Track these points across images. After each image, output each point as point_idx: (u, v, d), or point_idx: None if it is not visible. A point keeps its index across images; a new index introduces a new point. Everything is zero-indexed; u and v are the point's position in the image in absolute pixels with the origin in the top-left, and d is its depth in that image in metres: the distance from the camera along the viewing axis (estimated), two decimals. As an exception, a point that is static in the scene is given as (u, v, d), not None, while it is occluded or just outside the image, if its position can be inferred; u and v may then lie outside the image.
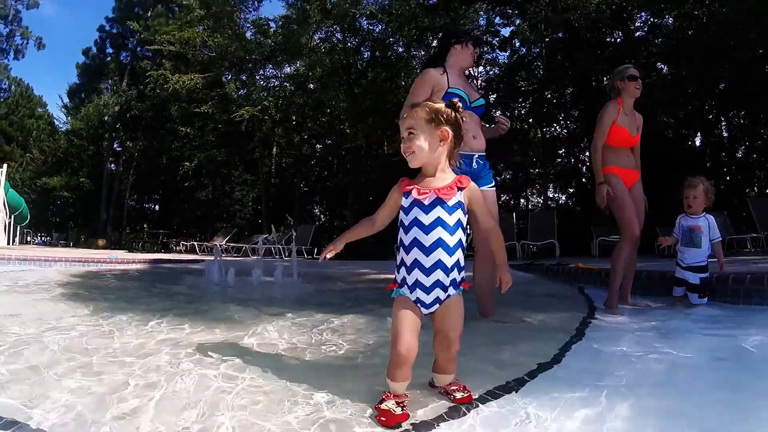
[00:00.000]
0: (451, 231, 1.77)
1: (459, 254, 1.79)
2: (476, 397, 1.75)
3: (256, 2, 20.44)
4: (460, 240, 1.79)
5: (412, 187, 1.81)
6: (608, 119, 3.88)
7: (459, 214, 1.79)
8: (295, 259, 7.37)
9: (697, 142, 18.10)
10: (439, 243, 1.75)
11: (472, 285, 1.86)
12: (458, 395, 1.77)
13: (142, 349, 2.39)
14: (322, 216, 29.68)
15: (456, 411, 1.63)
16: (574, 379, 1.92)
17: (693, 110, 16.45)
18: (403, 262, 1.80)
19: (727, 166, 17.38)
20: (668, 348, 2.41)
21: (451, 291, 1.79)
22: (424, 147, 1.79)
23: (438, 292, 1.77)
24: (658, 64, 16.90)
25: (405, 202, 1.82)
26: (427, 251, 1.75)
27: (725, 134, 17.73)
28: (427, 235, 1.75)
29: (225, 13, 19.82)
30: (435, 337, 1.81)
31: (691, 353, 2.34)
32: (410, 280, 1.77)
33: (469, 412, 1.63)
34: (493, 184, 3.46)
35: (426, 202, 1.77)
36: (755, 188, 16.96)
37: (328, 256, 1.98)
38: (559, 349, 2.32)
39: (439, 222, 1.76)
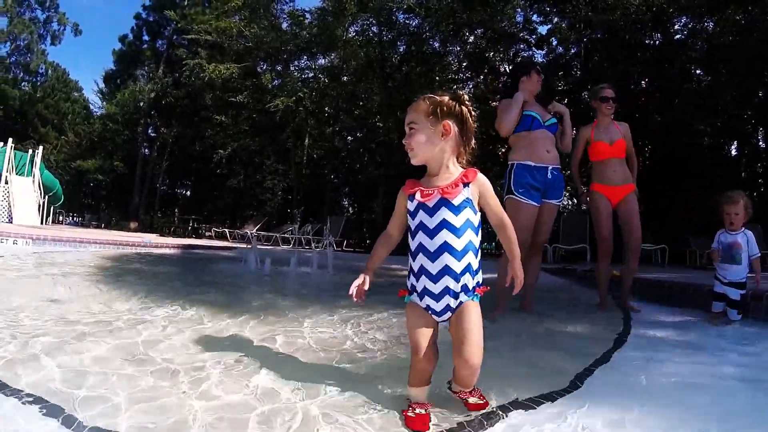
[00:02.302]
0: (459, 233, 1.66)
1: (470, 257, 1.68)
2: (496, 406, 1.70)
3: (293, -7, 20.53)
4: (471, 242, 1.68)
5: (416, 189, 1.73)
6: (580, 142, 4.35)
7: (468, 214, 1.69)
8: (330, 251, 7.45)
9: (733, 152, 17.69)
10: (445, 247, 1.65)
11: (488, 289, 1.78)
12: (471, 400, 1.70)
13: (189, 346, 2.41)
14: (350, 208, 29.82)
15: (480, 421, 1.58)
16: (604, 394, 1.90)
17: (729, 119, 16.04)
18: (411, 269, 1.74)
19: (763, 177, 16.92)
20: (705, 367, 2.40)
21: (464, 298, 1.68)
22: (422, 142, 1.71)
23: (448, 300, 1.68)
24: (697, 69, 16.53)
25: (410, 206, 1.74)
26: (433, 257, 1.66)
27: (762, 144, 17.27)
28: (431, 239, 1.67)
29: (262, 3, 19.98)
30: (453, 347, 1.69)
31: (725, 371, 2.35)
32: (419, 287, 1.71)
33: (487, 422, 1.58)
34: (561, 199, 3.83)
35: (430, 204, 1.68)
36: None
37: (362, 294, 1.79)
38: (577, 374, 2.22)
39: (444, 225, 1.67)
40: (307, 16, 20.38)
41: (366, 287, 1.78)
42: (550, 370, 2.14)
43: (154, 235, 18.11)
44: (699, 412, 1.75)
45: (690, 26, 16.24)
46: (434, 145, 1.71)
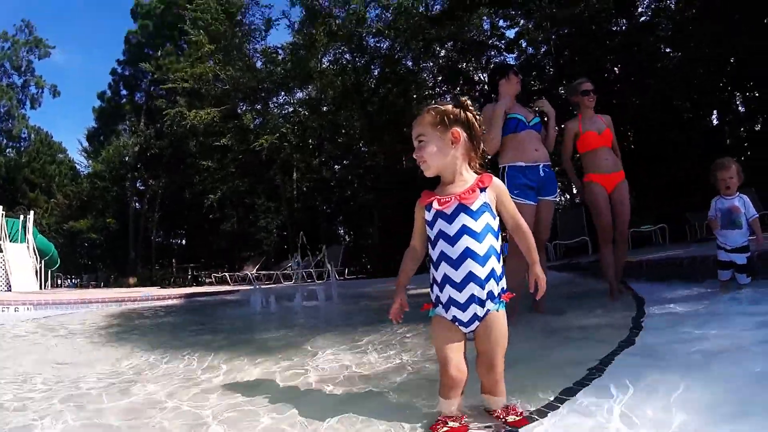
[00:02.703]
0: (480, 238, 1.65)
1: (493, 263, 1.67)
2: (532, 410, 1.64)
3: (263, 32, 20.75)
4: (492, 247, 1.67)
5: (433, 198, 1.73)
6: (569, 136, 4.45)
7: (487, 218, 1.68)
8: (334, 281, 7.45)
9: (714, 122, 17.91)
10: (468, 253, 1.64)
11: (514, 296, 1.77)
12: (510, 419, 1.61)
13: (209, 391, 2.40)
14: (346, 236, 29.78)
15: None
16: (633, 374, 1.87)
17: (706, 90, 16.28)
18: (434, 279, 1.71)
19: (748, 141, 17.12)
20: (728, 335, 2.41)
21: (490, 305, 1.66)
22: (434, 153, 1.71)
23: (475, 308, 1.65)
24: (666, 48, 16.81)
25: (428, 216, 1.73)
26: (456, 264, 1.64)
27: (741, 109, 17.50)
28: (453, 246, 1.65)
29: (234, 45, 20.17)
30: (477, 358, 1.69)
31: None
32: (443, 298, 1.68)
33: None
34: (556, 195, 3.89)
35: (448, 212, 1.68)
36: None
37: (399, 315, 1.79)
38: (602, 359, 2.23)
39: (464, 230, 1.65)
40: (280, 52, 20.60)
41: (405, 308, 1.78)
42: (575, 364, 2.13)
43: (155, 288, 18.01)
44: (738, 381, 1.75)
45: (653, 7, 16.54)
46: (446, 154, 1.72)
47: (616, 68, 17.54)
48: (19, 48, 37.16)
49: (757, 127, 17.11)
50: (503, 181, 3.67)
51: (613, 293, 4.18)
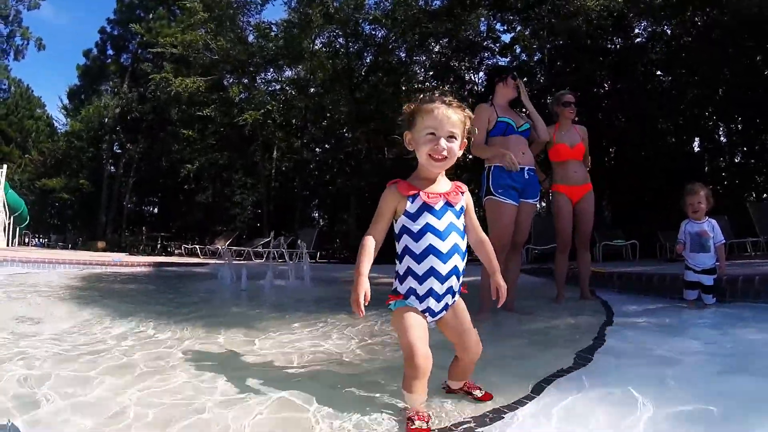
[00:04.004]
0: (462, 235, 1.74)
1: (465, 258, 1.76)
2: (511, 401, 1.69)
3: (258, 5, 20.44)
4: (465, 245, 1.76)
5: (416, 190, 1.72)
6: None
7: (463, 219, 1.78)
8: (307, 262, 7.40)
9: (696, 148, 18.30)
10: (456, 249, 1.70)
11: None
12: (478, 393, 1.75)
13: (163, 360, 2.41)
14: (321, 220, 29.70)
15: (483, 418, 1.56)
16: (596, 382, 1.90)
17: (692, 116, 16.63)
18: (410, 272, 1.70)
19: (726, 171, 17.56)
20: (689, 348, 2.48)
21: (457, 295, 1.77)
22: (456, 153, 1.72)
23: (448, 299, 1.73)
24: (658, 71, 17.08)
25: (411, 207, 1.72)
26: (445, 258, 1.68)
27: (723, 140, 17.92)
28: (443, 241, 1.68)
29: (227, 16, 19.84)
30: (458, 344, 1.77)
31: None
32: (422, 290, 1.69)
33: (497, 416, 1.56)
34: (538, 198, 3.98)
35: (437, 207, 1.70)
36: (753, 193, 17.14)
37: (362, 308, 1.64)
38: (579, 352, 2.34)
39: (453, 227, 1.71)
40: (273, 28, 20.34)
41: (367, 298, 1.63)
42: (541, 364, 2.17)
43: (123, 254, 17.73)
44: (695, 388, 1.83)
45: (650, 30, 16.77)
46: (457, 157, 1.75)
47: (606, 84, 17.76)
48: (8, -4, 35.95)
49: (737, 159, 17.54)
50: (488, 180, 3.77)
51: (560, 298, 4.42)
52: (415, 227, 1.70)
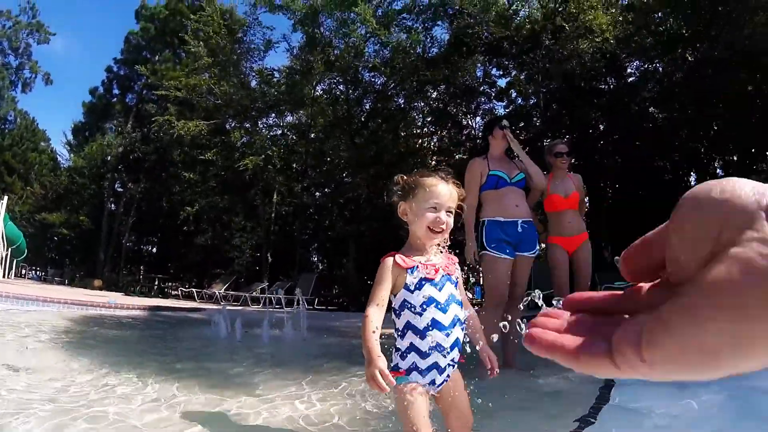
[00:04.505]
0: (461, 305, 1.75)
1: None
2: None
3: (261, 52, 20.88)
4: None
5: (416, 262, 1.74)
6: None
7: (459, 289, 1.80)
8: (303, 311, 7.39)
9: (692, 182, 18.42)
10: (456, 320, 1.70)
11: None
12: None
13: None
14: (320, 264, 29.57)
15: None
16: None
17: (687, 152, 16.80)
18: (413, 348, 1.69)
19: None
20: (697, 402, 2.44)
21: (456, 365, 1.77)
22: (451, 227, 1.79)
23: (449, 370, 1.73)
24: (651, 108, 17.35)
25: (410, 280, 1.72)
26: (447, 330, 1.68)
27: (720, 172, 18.03)
28: (445, 314, 1.68)
29: (231, 61, 20.21)
30: (449, 415, 1.77)
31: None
32: (425, 365, 1.68)
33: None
34: (535, 250, 3.93)
35: (437, 279, 1.71)
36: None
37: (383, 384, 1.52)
38: (582, 417, 2.31)
39: (453, 298, 1.72)
40: (276, 74, 20.74)
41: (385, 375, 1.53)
42: (552, 420, 2.19)
43: (119, 294, 17.67)
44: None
45: (642, 69, 17.08)
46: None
47: (601, 125, 18.03)
48: (20, 29, 36.72)
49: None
50: (482, 234, 3.79)
51: None
52: (417, 301, 1.70)
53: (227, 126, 22.05)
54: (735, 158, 17.25)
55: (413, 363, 1.69)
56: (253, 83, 21.22)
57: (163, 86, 22.00)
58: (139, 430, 2.18)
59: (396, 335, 1.77)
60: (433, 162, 21.38)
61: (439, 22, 18.35)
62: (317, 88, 20.44)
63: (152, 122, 22.42)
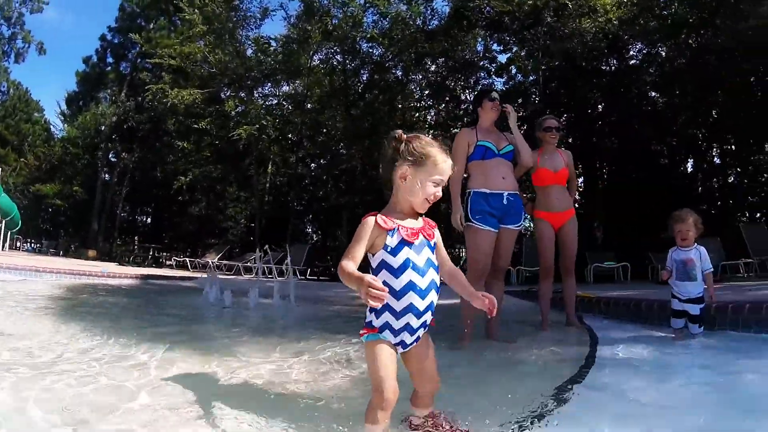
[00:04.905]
0: (437, 270, 1.77)
1: None
2: None
3: (258, 20, 20.55)
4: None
5: (395, 224, 1.73)
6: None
7: (439, 250, 1.82)
8: (293, 281, 7.35)
9: (689, 168, 18.43)
10: (433, 284, 1.73)
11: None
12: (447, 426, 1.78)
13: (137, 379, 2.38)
14: (314, 235, 29.61)
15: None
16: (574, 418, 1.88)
17: (685, 137, 16.76)
18: (388, 307, 1.68)
19: (720, 192, 17.65)
20: (674, 386, 2.42)
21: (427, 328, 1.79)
22: None
23: (420, 332, 1.75)
24: (652, 93, 17.24)
25: (391, 241, 1.72)
26: (423, 294, 1.70)
27: (717, 160, 18.03)
28: (423, 277, 1.70)
29: (227, 29, 19.90)
30: (417, 374, 1.79)
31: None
32: (398, 326, 1.70)
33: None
34: (520, 224, 3.88)
35: (416, 242, 1.73)
36: (746, 213, 17.24)
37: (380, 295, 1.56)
38: (558, 388, 2.27)
39: (430, 263, 1.74)
40: (272, 43, 20.46)
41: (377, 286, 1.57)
42: (518, 398, 2.14)
43: (113, 264, 17.63)
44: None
45: (644, 52, 16.93)
46: None
47: (600, 106, 17.91)
48: (13, -1, 36.05)
49: (730, 179, 17.65)
50: (467, 205, 3.72)
51: (544, 325, 4.36)
52: (395, 263, 1.69)
53: (222, 95, 21.80)
54: (732, 147, 17.23)
55: (386, 322, 1.70)
56: (249, 52, 20.98)
57: (158, 54, 21.71)
58: (123, 390, 2.16)
59: None
60: (429, 136, 21.27)
61: (440, -6, 18.14)
62: (314, 57, 20.23)
63: (146, 91, 22.14)
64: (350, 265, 1.65)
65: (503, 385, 2.46)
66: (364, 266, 1.72)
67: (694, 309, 3.67)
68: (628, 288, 8.25)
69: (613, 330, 4.17)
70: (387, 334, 1.71)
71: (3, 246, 18.98)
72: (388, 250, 1.70)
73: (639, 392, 2.26)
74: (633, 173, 16.62)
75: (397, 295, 1.68)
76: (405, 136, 1.82)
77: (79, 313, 4.54)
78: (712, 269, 3.75)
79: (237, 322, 4.68)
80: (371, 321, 1.72)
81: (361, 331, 1.75)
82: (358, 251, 1.70)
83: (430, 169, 1.76)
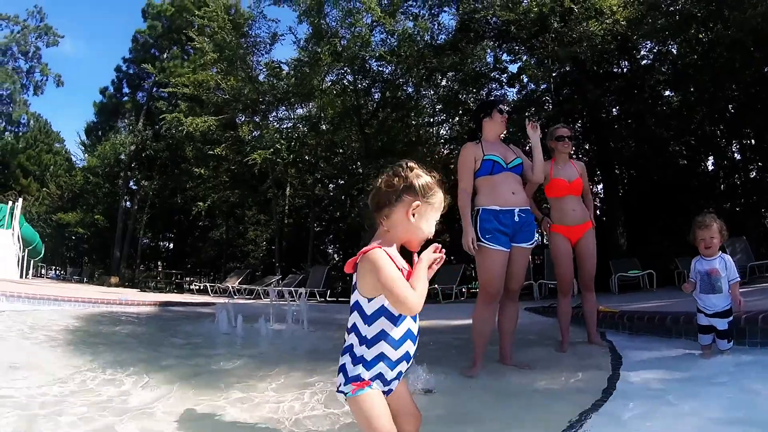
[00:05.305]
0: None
1: None
2: None
3: (268, 45, 20.84)
4: None
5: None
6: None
7: None
8: (305, 306, 7.29)
9: (710, 166, 18.09)
10: (417, 329, 1.68)
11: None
12: None
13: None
14: (335, 255, 29.65)
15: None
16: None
17: (703, 135, 16.44)
18: (383, 357, 1.60)
19: (742, 188, 17.26)
20: (698, 413, 2.25)
21: None
22: None
23: (401, 375, 1.70)
24: (666, 91, 16.99)
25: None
26: (415, 339, 1.66)
27: (737, 156, 17.66)
28: (415, 322, 1.66)
29: (238, 56, 20.19)
30: (399, 414, 1.67)
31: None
32: (391, 376, 1.62)
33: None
34: (533, 241, 3.65)
35: None
36: (772, 208, 16.84)
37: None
38: (570, 423, 2.14)
39: None
40: (284, 66, 20.70)
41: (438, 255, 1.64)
42: (538, 426, 2.07)
43: (134, 291, 17.81)
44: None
45: (655, 51, 16.73)
46: None
47: (614, 109, 17.70)
48: (29, 33, 37.13)
49: (752, 175, 17.27)
50: (475, 224, 3.51)
51: (563, 345, 4.19)
52: (395, 310, 1.59)
53: (237, 120, 22.07)
54: (752, 142, 16.88)
55: (380, 373, 1.60)
56: (261, 77, 21.22)
57: (171, 83, 22.11)
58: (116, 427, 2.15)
59: (356, 343, 1.63)
60: (446, 151, 21.26)
61: (446, 8, 18.18)
62: (326, 79, 20.35)
63: (162, 120, 22.51)
64: (412, 291, 1.55)
65: (508, 420, 2.36)
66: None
67: (722, 324, 3.38)
68: (655, 297, 8.06)
69: (637, 348, 3.98)
70: (377, 384, 1.60)
71: (26, 274, 19.32)
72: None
73: (661, 429, 2.14)
74: (652, 176, 16.35)
75: (396, 344, 1.60)
76: (414, 168, 1.71)
77: (87, 343, 4.55)
78: (738, 279, 3.46)
79: (245, 353, 4.61)
80: (359, 374, 1.59)
81: (346, 388, 1.60)
82: (401, 278, 1.57)
83: (438, 205, 1.69)
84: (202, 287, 19.95)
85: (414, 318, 1.64)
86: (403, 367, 1.64)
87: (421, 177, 1.69)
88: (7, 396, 2.51)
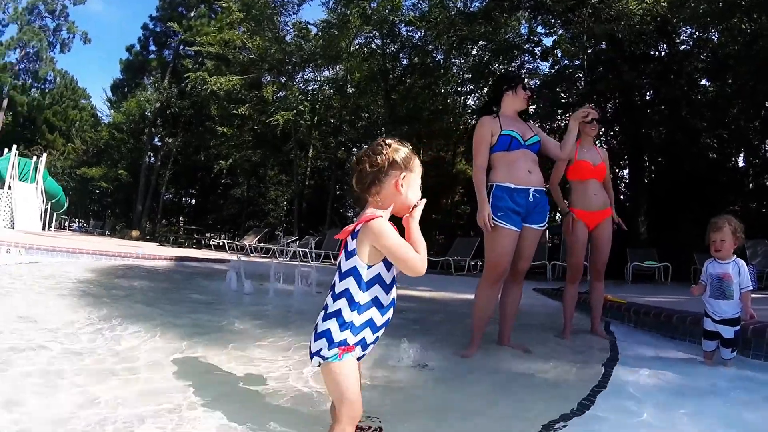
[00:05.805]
0: None
1: None
2: None
3: (296, 5, 20.52)
4: None
5: None
6: (563, 162, 4.09)
7: None
8: (314, 268, 7.25)
9: (740, 163, 17.43)
10: (394, 303, 1.71)
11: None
12: None
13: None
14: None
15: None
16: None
17: (737, 129, 15.75)
18: (370, 323, 1.62)
19: (770, 188, 16.63)
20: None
21: None
22: None
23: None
24: (703, 80, 16.30)
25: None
26: (394, 307, 1.69)
27: (769, 155, 16.98)
28: (395, 292, 1.69)
29: (265, 15, 19.96)
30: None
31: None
32: (371, 339, 1.65)
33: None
34: (545, 223, 3.52)
35: None
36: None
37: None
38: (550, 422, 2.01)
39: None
40: (312, 28, 20.40)
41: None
42: (523, 418, 1.99)
43: (154, 245, 18.06)
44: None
45: (695, 36, 16.01)
46: None
47: (648, 94, 17.02)
48: (55, -8, 37.33)
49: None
50: (489, 200, 3.35)
51: (565, 333, 4.07)
52: (388, 278, 1.64)
53: (263, 80, 21.93)
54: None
55: (363, 338, 1.63)
56: (288, 37, 20.96)
57: (197, 42, 22.01)
58: (119, 380, 2.16)
59: (347, 309, 1.62)
60: (473, 122, 20.87)
61: (481, -25, 17.57)
62: (354, 42, 20.02)
63: (188, 77, 22.48)
64: (418, 255, 1.62)
65: (499, 408, 2.23)
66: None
67: (728, 332, 3.20)
68: (667, 291, 7.81)
69: (638, 344, 3.84)
70: (358, 350, 1.63)
71: (49, 226, 19.74)
72: (387, 264, 1.65)
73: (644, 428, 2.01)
74: (681, 167, 15.73)
75: (383, 311, 1.64)
76: (388, 143, 1.73)
77: (99, 296, 4.59)
78: (751, 287, 3.25)
79: (252, 311, 4.62)
80: (346, 339, 1.59)
81: (330, 353, 1.58)
82: (407, 244, 1.63)
83: (418, 171, 1.74)
84: (221, 243, 20.17)
85: (395, 284, 1.67)
86: (381, 332, 1.67)
87: (400, 150, 1.72)
88: (15, 347, 2.54)
